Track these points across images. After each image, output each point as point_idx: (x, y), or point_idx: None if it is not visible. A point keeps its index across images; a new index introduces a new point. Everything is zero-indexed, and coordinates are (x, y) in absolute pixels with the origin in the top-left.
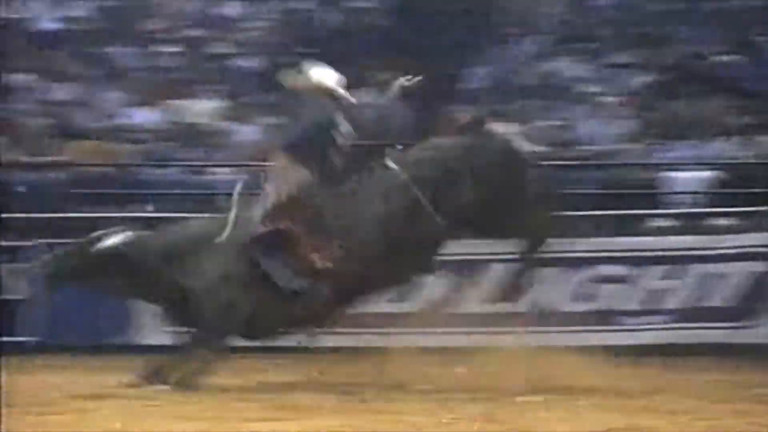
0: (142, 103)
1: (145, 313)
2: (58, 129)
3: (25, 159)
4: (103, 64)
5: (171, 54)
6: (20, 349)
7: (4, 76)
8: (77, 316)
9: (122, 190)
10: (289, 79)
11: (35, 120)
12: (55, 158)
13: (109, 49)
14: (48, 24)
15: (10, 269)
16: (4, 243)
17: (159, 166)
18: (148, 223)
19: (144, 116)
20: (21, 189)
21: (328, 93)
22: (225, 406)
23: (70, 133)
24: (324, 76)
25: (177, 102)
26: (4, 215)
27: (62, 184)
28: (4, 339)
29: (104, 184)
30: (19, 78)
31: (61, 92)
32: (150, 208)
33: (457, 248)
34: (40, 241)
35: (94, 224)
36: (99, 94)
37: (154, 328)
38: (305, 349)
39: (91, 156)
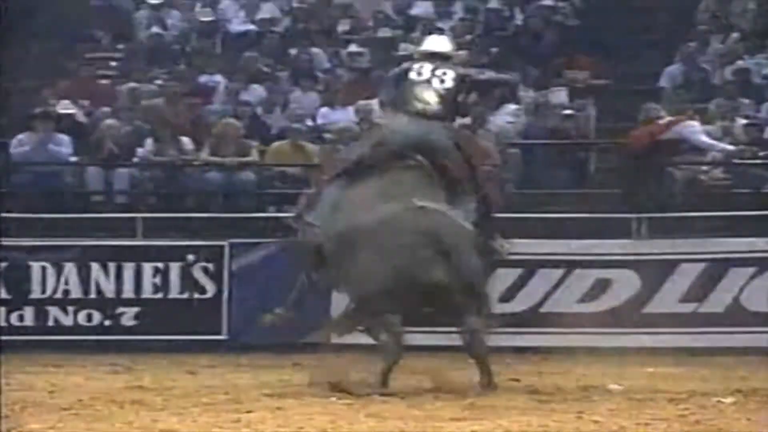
0: (334, 104)
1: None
2: (250, 130)
3: (218, 159)
4: (295, 65)
5: (362, 54)
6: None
7: (198, 77)
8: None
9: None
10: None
11: (229, 121)
12: (247, 159)
13: (301, 51)
14: (240, 26)
15: None
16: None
17: None
18: None
19: (336, 116)
20: (214, 189)
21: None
22: (416, 406)
23: (262, 134)
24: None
25: (368, 102)
26: (199, 215)
27: (255, 184)
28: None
29: (297, 184)
30: (212, 79)
31: (253, 93)
32: None
33: (646, 248)
34: (232, 240)
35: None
36: (291, 95)
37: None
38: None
39: (285, 156)
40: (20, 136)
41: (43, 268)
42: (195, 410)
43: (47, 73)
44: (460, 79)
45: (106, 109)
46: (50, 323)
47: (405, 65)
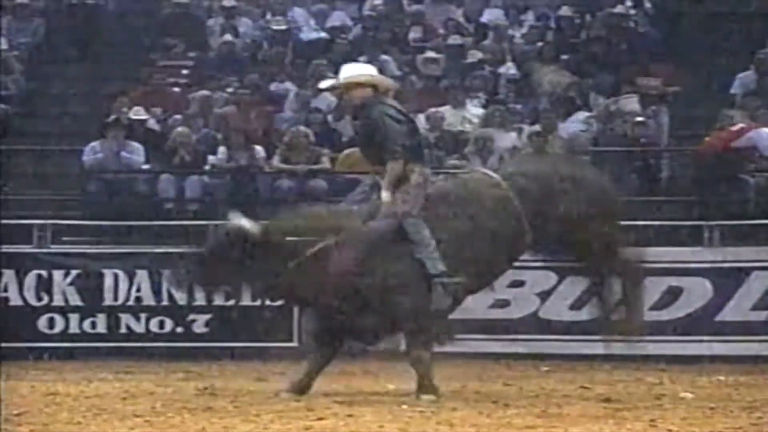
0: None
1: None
2: (321, 137)
3: (289, 167)
4: None
5: (432, 61)
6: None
7: (269, 85)
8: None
9: None
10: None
11: (299, 128)
12: (318, 166)
13: (372, 58)
14: (311, 34)
15: None
16: None
17: None
18: None
19: None
20: (285, 196)
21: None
22: (487, 413)
23: (333, 142)
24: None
25: (439, 109)
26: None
27: (326, 192)
28: None
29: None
30: (283, 87)
31: (324, 101)
32: None
33: (718, 256)
34: None
35: None
36: None
37: None
38: (572, 357)
39: (355, 164)
40: (93, 144)
41: (116, 276)
42: (266, 417)
43: (120, 81)
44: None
45: (178, 116)
46: (122, 330)
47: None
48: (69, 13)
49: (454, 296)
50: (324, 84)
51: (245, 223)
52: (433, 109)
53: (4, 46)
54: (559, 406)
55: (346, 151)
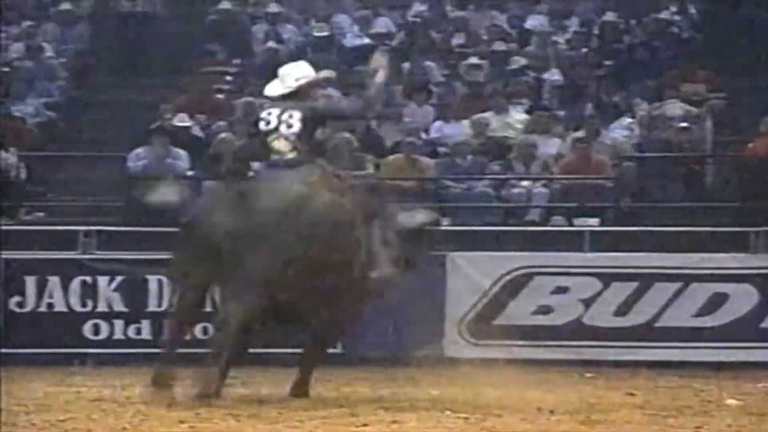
0: (449, 117)
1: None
2: (365, 143)
3: None
4: (409, 79)
5: (476, 67)
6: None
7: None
8: (380, 327)
9: (428, 203)
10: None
11: (342, 134)
12: (361, 172)
13: (415, 64)
14: (355, 40)
15: None
16: None
17: (464, 179)
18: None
19: (450, 130)
20: None
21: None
22: (530, 420)
23: (377, 148)
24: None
25: (482, 115)
26: None
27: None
28: None
29: (411, 197)
30: (327, 93)
31: None
32: (446, 221)
33: (763, 262)
34: None
35: None
36: (405, 109)
37: (461, 342)
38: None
39: (399, 170)
40: (138, 151)
41: (160, 282)
42: (311, 423)
43: (165, 88)
44: (308, 117)
45: (222, 123)
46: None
47: (256, 116)
48: (114, 21)
49: None
50: (273, 90)
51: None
52: (476, 116)
53: (50, 54)
54: (603, 413)
55: (390, 157)
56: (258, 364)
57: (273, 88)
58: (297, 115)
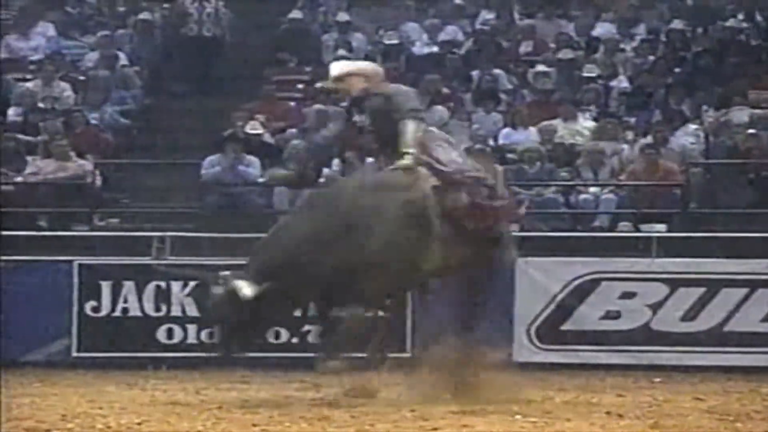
0: (517, 124)
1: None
2: None
3: None
4: (477, 87)
5: (544, 75)
6: None
7: None
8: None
9: None
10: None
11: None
12: None
13: (484, 72)
14: (424, 48)
15: None
16: None
17: (533, 186)
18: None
19: (518, 137)
20: None
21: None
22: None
23: None
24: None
25: (550, 122)
26: None
27: None
28: None
29: None
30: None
31: (436, 114)
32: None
33: None
34: None
35: None
36: (473, 116)
37: (530, 347)
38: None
39: None
40: (211, 158)
41: None
42: (382, 427)
43: (237, 96)
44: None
45: (293, 130)
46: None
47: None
48: (187, 30)
49: None
50: (326, 83)
51: (241, 285)
52: (544, 123)
53: (125, 62)
54: (671, 418)
55: None
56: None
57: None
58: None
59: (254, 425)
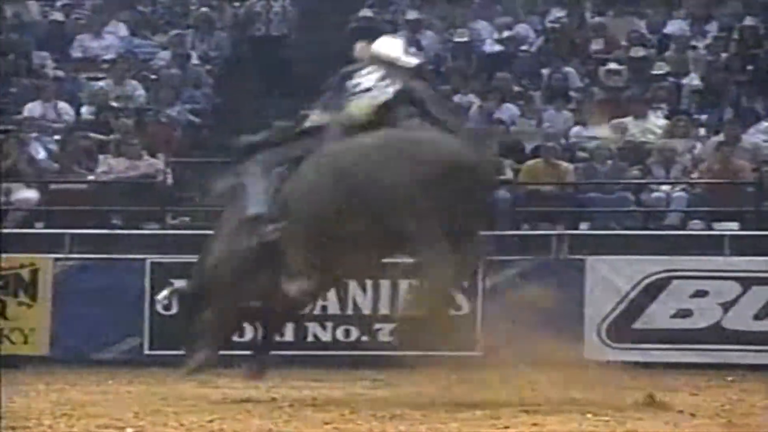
0: (587, 122)
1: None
2: (504, 149)
3: None
4: (547, 85)
5: (615, 73)
6: None
7: (453, 97)
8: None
9: (568, 209)
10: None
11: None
12: (501, 177)
13: (554, 70)
14: (494, 46)
15: None
16: None
17: (603, 184)
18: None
19: (589, 135)
20: None
21: (390, 61)
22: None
23: (516, 153)
24: (384, 45)
25: (621, 120)
26: None
27: (509, 202)
28: None
29: (550, 202)
30: (466, 99)
31: (507, 112)
32: (585, 226)
33: None
34: (487, 257)
35: (546, 241)
36: (544, 114)
37: (601, 345)
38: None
39: (538, 175)
40: None
41: None
42: (454, 425)
43: (306, 94)
44: (402, 93)
45: None
46: (309, 339)
47: (349, 69)
48: (256, 28)
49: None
50: (391, 50)
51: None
52: (615, 120)
53: (196, 61)
54: (744, 416)
55: (529, 162)
56: (398, 366)
57: (391, 48)
58: (395, 86)
59: (326, 423)
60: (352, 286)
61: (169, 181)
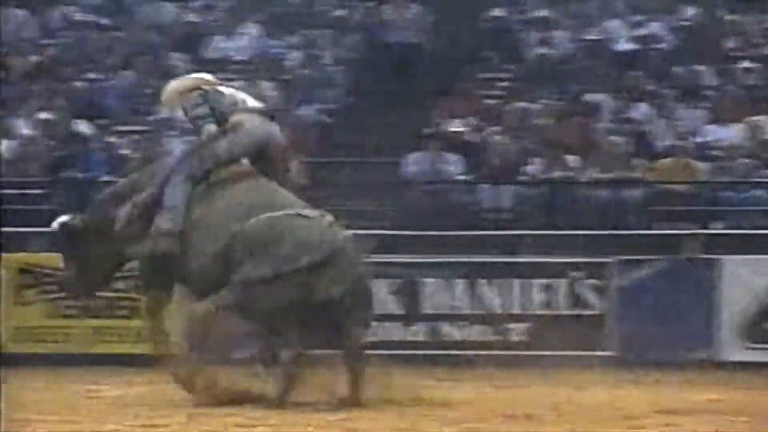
0: (721, 121)
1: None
2: (636, 147)
3: (604, 176)
4: (680, 83)
5: (749, 71)
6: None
7: (584, 96)
8: (657, 330)
9: (701, 208)
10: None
11: (614, 138)
12: (633, 176)
13: (687, 68)
14: (625, 45)
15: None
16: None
17: (737, 183)
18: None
19: (722, 134)
20: (600, 206)
21: (196, 86)
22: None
23: (649, 151)
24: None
25: (756, 119)
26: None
27: (641, 201)
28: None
29: (684, 201)
30: (597, 98)
31: (639, 111)
32: (718, 225)
33: None
34: (619, 257)
35: (678, 240)
36: (677, 112)
37: (735, 345)
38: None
39: (671, 174)
40: (412, 155)
41: (435, 285)
42: (580, 426)
43: (438, 94)
44: None
45: (494, 127)
46: (442, 339)
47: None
48: (386, 34)
49: None
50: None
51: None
52: (749, 119)
53: (327, 61)
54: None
55: (662, 161)
56: (531, 366)
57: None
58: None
59: (457, 422)
60: (484, 284)
61: (304, 180)
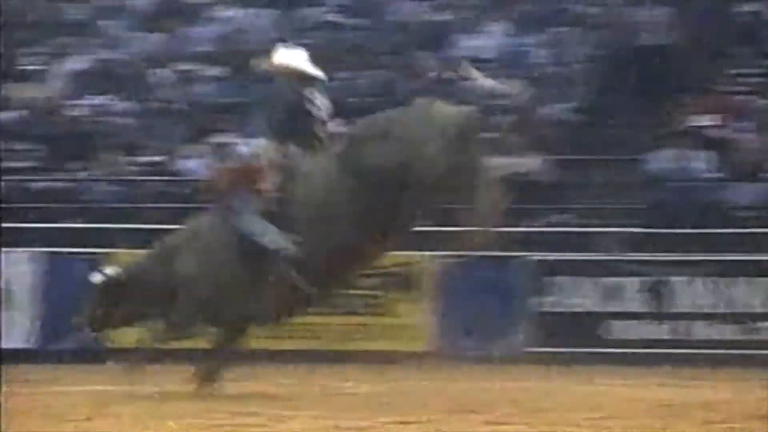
0: None
1: None
2: None
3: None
4: None
5: None
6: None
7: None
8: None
9: None
10: (261, 63)
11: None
12: None
13: None
14: None
15: None
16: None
17: None
18: None
19: None
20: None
21: (296, 73)
22: None
23: None
24: (289, 56)
25: None
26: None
27: None
28: None
29: None
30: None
31: None
32: None
33: None
34: None
35: None
36: None
37: None
38: None
39: None
40: (659, 152)
41: (684, 283)
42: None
43: (687, 90)
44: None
45: (746, 124)
46: (691, 337)
47: (296, 95)
48: (635, 37)
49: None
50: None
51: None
52: None
53: (575, 59)
54: None
55: None
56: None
57: (297, 60)
58: (324, 102)
59: (709, 422)
60: (733, 282)
61: (551, 178)
